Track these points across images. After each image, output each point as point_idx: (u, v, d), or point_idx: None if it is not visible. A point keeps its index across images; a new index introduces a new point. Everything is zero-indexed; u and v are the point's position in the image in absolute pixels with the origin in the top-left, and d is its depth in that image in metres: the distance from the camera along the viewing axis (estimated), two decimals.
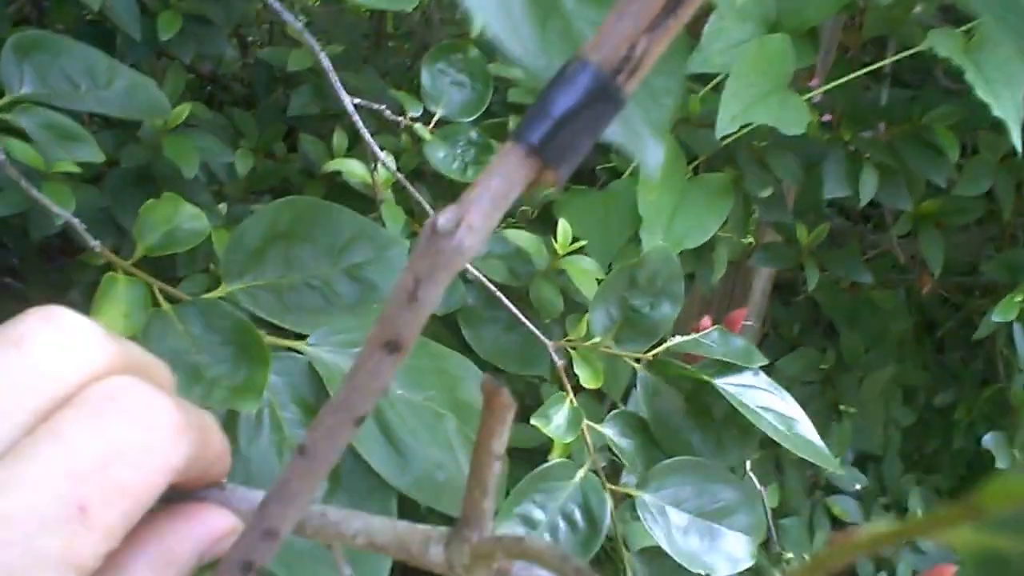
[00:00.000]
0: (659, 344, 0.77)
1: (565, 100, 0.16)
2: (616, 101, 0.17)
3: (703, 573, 0.72)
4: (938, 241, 1.15)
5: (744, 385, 0.76)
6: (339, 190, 1.03)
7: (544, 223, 0.97)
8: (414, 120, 0.96)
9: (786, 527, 1.36)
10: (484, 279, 0.80)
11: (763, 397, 0.76)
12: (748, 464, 0.97)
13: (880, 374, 1.49)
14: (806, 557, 1.24)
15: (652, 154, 0.22)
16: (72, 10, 1.06)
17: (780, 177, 0.99)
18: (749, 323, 1.21)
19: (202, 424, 0.26)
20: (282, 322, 0.65)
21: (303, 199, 0.69)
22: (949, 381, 1.65)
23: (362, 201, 0.94)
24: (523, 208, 1.00)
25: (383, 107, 0.89)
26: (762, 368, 0.77)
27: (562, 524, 0.71)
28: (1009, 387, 1.45)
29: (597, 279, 0.86)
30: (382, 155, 0.84)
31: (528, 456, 0.87)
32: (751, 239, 1.14)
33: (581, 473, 0.73)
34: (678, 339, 0.77)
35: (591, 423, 0.76)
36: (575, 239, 0.89)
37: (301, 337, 0.65)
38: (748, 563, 0.74)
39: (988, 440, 1.36)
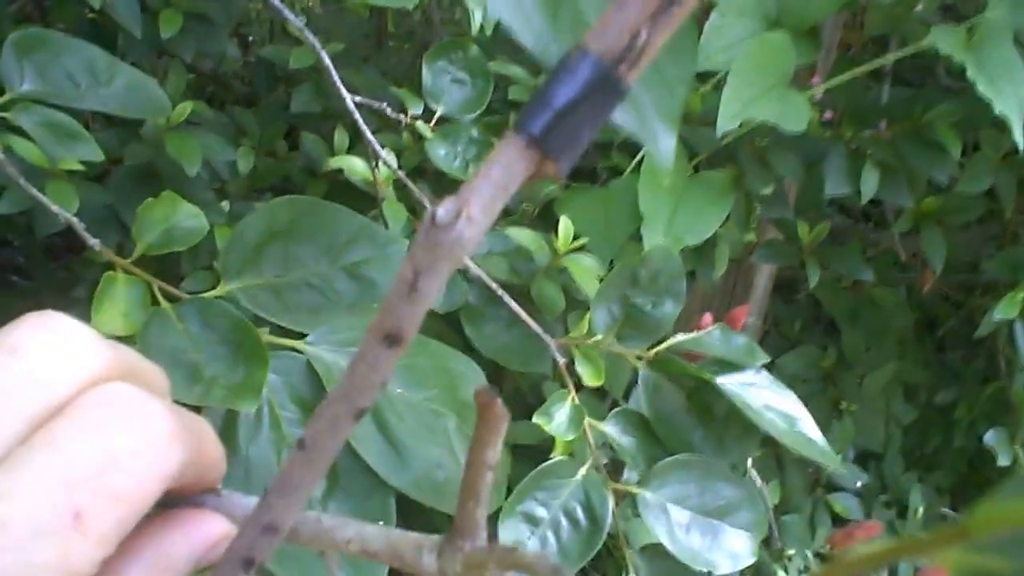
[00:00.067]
0: (661, 342, 0.77)
1: (566, 91, 0.16)
2: (618, 91, 0.16)
3: (705, 570, 0.72)
4: (939, 239, 1.15)
5: (746, 383, 0.76)
6: (341, 188, 1.03)
7: (545, 221, 0.97)
8: (415, 118, 0.96)
9: (787, 524, 1.36)
10: (485, 277, 0.80)
11: (765, 395, 0.76)
12: (749, 461, 0.97)
13: (881, 372, 1.49)
14: (808, 554, 1.25)
15: (664, 143, 0.22)
16: (73, 8, 1.06)
17: (781, 175, 0.99)
18: (750, 320, 1.21)
19: (197, 429, 0.26)
20: (281, 321, 0.65)
21: (302, 198, 0.69)
22: (950, 379, 1.65)
23: (364, 199, 0.94)
24: (524, 206, 1.00)
25: (384, 105, 0.89)
26: (763, 366, 0.77)
27: (564, 522, 0.71)
28: (1010, 385, 1.45)
29: (598, 277, 0.86)
30: (383, 153, 0.84)
31: (531, 453, 0.87)
32: (752, 237, 1.13)
33: (583, 471, 0.73)
34: (680, 337, 0.77)
35: (593, 421, 0.76)
36: (576, 237, 0.89)
37: (300, 336, 0.65)
38: (750, 560, 0.74)
39: (989, 438, 1.36)
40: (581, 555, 0.71)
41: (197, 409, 0.59)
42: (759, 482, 0.99)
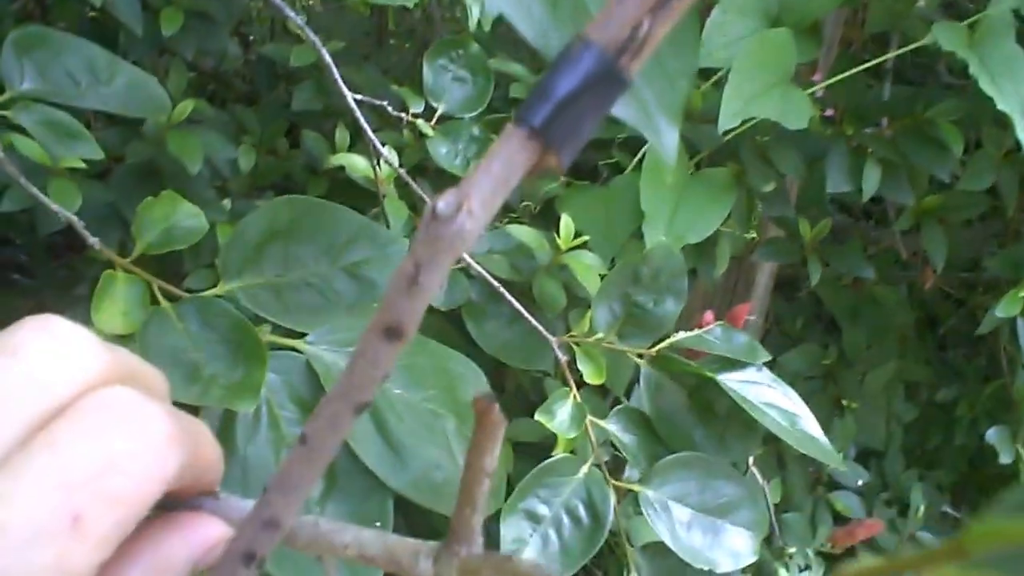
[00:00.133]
0: (662, 340, 0.77)
1: (567, 82, 0.16)
2: (620, 83, 0.16)
3: (706, 569, 0.72)
4: (941, 237, 1.15)
5: (747, 381, 0.76)
6: (342, 186, 1.03)
7: (547, 219, 0.97)
8: (416, 116, 0.96)
9: (788, 522, 1.36)
10: (487, 275, 0.80)
11: (766, 393, 0.76)
12: (751, 460, 0.97)
13: (882, 370, 1.49)
14: (809, 552, 1.25)
15: (667, 137, 0.22)
16: (75, 7, 1.06)
17: (783, 172, 0.99)
18: (751, 318, 1.21)
19: (195, 432, 0.26)
20: (281, 321, 0.65)
21: (303, 198, 0.68)
22: (951, 377, 1.65)
23: (365, 196, 0.94)
24: (526, 203, 1.00)
25: (385, 103, 0.89)
26: (764, 364, 0.77)
27: (566, 519, 0.71)
28: (1011, 383, 1.45)
29: (600, 274, 0.86)
30: (384, 151, 0.84)
31: (533, 451, 0.87)
32: (754, 234, 1.13)
33: (585, 469, 0.73)
34: (681, 335, 0.77)
35: (594, 419, 0.76)
36: (578, 234, 0.89)
37: (300, 335, 0.65)
38: (751, 559, 0.74)
39: (991, 435, 1.36)
40: (583, 553, 0.71)
41: (196, 409, 0.59)
42: (760, 479, 0.99)
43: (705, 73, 0.99)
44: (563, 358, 0.77)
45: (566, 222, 0.89)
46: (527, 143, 0.16)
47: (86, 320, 0.62)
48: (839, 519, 1.51)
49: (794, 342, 1.53)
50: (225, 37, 1.07)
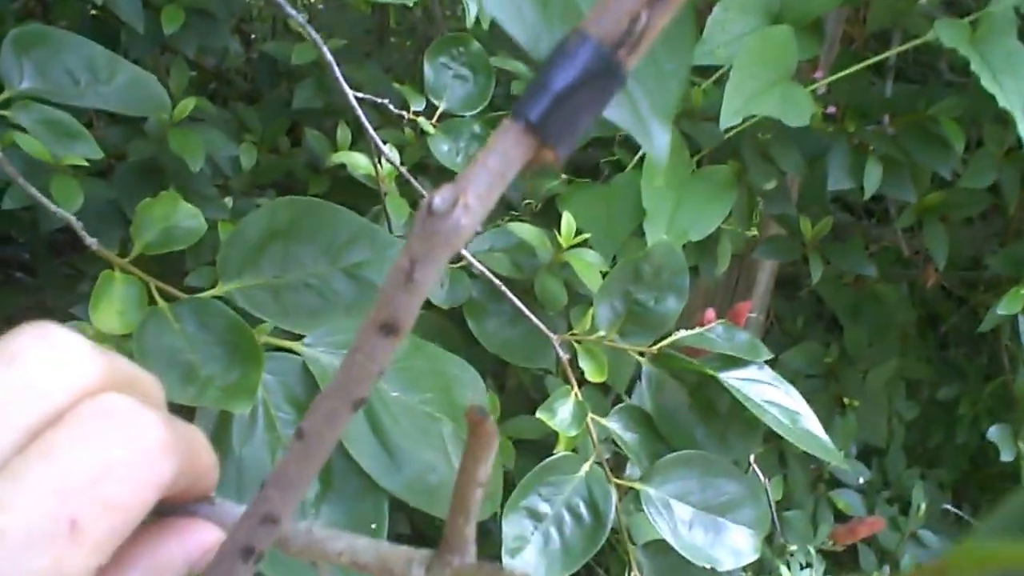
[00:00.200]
0: (663, 338, 0.77)
1: (565, 76, 0.16)
2: (617, 77, 0.16)
3: (707, 567, 0.72)
4: (942, 235, 1.15)
5: (749, 379, 0.76)
6: (343, 183, 1.03)
7: (548, 216, 0.97)
8: (417, 114, 0.96)
9: (790, 520, 1.36)
10: (489, 273, 0.80)
11: (768, 391, 0.76)
12: (752, 457, 0.97)
13: (884, 368, 1.49)
14: (810, 550, 1.24)
15: (658, 140, 0.22)
16: (76, 5, 1.06)
17: (784, 170, 0.99)
18: (753, 316, 1.21)
19: (190, 439, 0.27)
20: (279, 322, 0.64)
21: (302, 199, 0.68)
22: (953, 375, 1.65)
23: (367, 194, 0.94)
24: (527, 202, 1.00)
25: (386, 101, 0.89)
26: (766, 362, 0.77)
27: (567, 517, 0.71)
28: (1013, 381, 1.45)
29: (601, 272, 0.86)
30: (385, 149, 0.84)
31: (534, 448, 0.87)
32: (755, 232, 1.13)
33: (586, 467, 0.73)
34: (682, 333, 0.77)
35: (596, 417, 0.76)
36: (579, 232, 0.89)
37: (298, 337, 0.65)
38: (753, 557, 0.74)
39: (993, 433, 1.35)
40: (584, 551, 0.71)
41: (192, 409, 0.59)
42: (761, 478, 0.99)
43: (706, 70, 0.99)
44: (564, 356, 0.77)
45: (567, 220, 0.89)
46: (523, 137, 0.16)
47: (87, 318, 0.62)
48: (840, 517, 1.51)
49: (795, 340, 1.53)
50: (226, 35, 1.07)
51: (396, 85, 1.00)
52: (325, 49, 0.80)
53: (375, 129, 0.82)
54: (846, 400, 1.48)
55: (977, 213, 1.20)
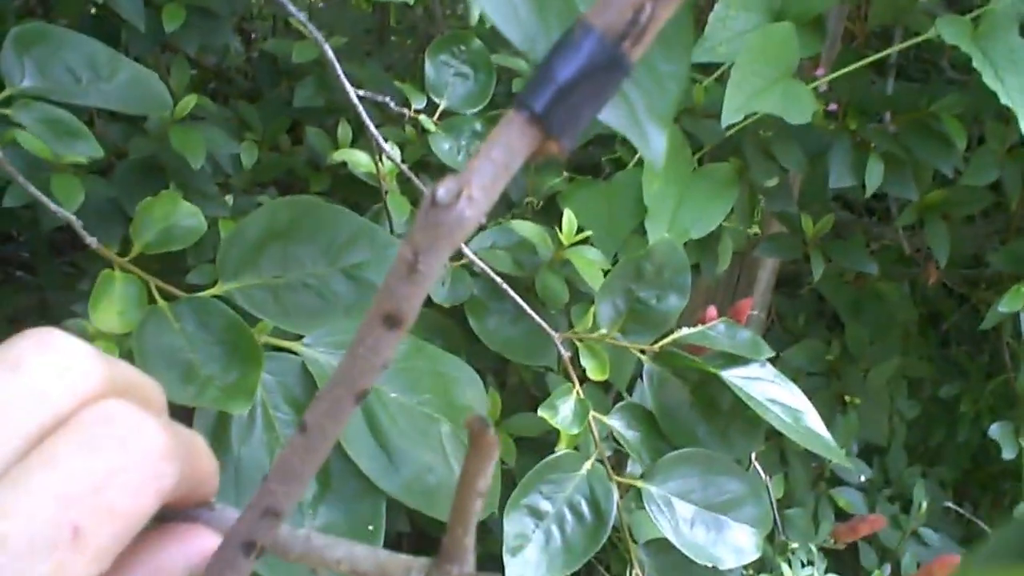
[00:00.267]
0: (665, 336, 0.77)
1: (569, 67, 0.16)
2: (622, 68, 0.16)
3: (709, 565, 0.72)
4: (944, 232, 1.15)
5: (750, 377, 0.76)
6: (344, 181, 1.03)
7: (549, 214, 0.97)
8: (418, 112, 0.96)
9: (791, 518, 1.36)
10: (490, 271, 0.80)
11: (769, 389, 0.76)
12: (753, 455, 0.97)
13: (885, 366, 1.49)
14: (811, 548, 1.24)
15: (655, 143, 0.22)
16: (77, 3, 1.06)
17: (785, 167, 0.99)
18: (754, 314, 1.21)
19: (191, 445, 0.27)
20: (278, 323, 0.64)
21: (302, 199, 0.68)
22: (954, 373, 1.65)
23: (368, 192, 0.94)
24: (528, 199, 1.00)
25: (387, 99, 0.89)
26: (767, 360, 0.77)
27: (569, 515, 0.71)
28: (1015, 378, 1.45)
29: (603, 270, 0.86)
30: (387, 147, 0.84)
31: (535, 446, 0.87)
32: (756, 230, 1.13)
33: (588, 465, 0.73)
34: (684, 331, 0.77)
35: (597, 415, 0.76)
36: (580, 230, 0.89)
37: (297, 337, 0.65)
38: (754, 555, 0.74)
39: (994, 430, 1.35)
40: (586, 549, 0.71)
41: (191, 411, 0.59)
42: (763, 476, 0.99)
43: (708, 67, 0.99)
44: (566, 354, 0.77)
45: (569, 217, 0.89)
46: (528, 129, 0.16)
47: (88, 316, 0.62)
48: (841, 515, 1.51)
49: (797, 338, 1.53)
50: (227, 33, 1.07)
51: (397, 83, 1.00)
52: (326, 47, 0.80)
53: (376, 127, 0.82)
54: (847, 398, 1.48)
55: (979, 211, 1.20)
